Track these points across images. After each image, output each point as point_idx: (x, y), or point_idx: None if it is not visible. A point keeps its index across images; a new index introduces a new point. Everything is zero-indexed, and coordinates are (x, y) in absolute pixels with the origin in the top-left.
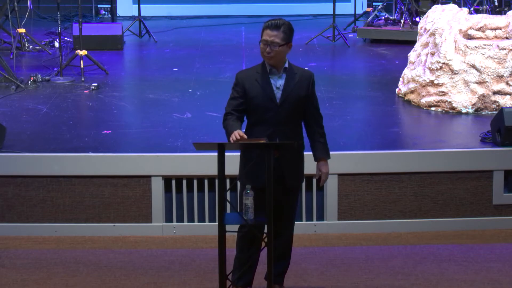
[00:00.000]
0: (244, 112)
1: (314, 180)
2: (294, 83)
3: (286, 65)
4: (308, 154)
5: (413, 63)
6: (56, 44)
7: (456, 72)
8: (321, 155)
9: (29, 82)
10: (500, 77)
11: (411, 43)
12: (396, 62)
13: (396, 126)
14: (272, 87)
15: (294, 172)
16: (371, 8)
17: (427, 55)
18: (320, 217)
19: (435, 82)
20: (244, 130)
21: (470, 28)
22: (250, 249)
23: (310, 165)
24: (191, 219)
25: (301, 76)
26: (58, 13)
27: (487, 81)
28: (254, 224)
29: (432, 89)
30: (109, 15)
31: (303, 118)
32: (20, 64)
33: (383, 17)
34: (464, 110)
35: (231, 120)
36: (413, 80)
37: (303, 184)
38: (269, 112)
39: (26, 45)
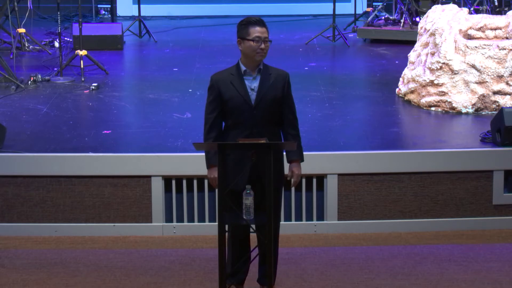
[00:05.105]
0: (222, 116)
1: (314, 180)
2: (269, 84)
3: (261, 66)
4: (307, 154)
5: (413, 63)
6: (56, 44)
7: (456, 72)
8: (293, 157)
9: (29, 82)
10: (500, 77)
11: (411, 43)
12: (396, 62)
13: (396, 126)
14: (247, 88)
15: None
16: (371, 8)
17: (427, 55)
18: (320, 217)
19: (435, 82)
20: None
21: (470, 28)
22: (241, 249)
23: (308, 165)
24: (191, 219)
25: (276, 76)
26: (58, 13)
27: (487, 81)
28: (254, 224)
29: (432, 89)
30: (109, 15)
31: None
32: (20, 64)
33: (383, 17)
34: (464, 110)
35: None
36: (413, 80)
37: (303, 185)
38: (244, 114)
39: (26, 45)
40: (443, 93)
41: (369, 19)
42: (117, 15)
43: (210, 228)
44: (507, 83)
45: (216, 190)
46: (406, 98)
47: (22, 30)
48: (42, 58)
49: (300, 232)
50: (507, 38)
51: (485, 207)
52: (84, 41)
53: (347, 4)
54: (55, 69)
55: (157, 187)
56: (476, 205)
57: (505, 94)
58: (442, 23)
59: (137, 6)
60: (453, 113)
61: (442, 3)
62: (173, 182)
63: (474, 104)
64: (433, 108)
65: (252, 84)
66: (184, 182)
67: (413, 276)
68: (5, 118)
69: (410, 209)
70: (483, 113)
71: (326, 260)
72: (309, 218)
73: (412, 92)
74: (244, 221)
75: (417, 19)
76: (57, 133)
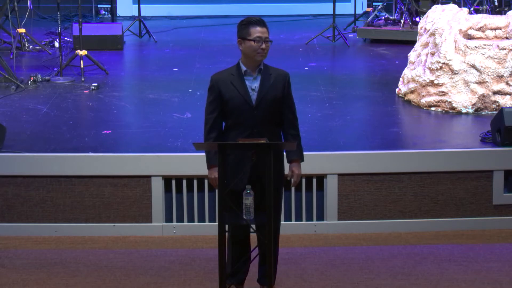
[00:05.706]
0: (222, 116)
1: (314, 180)
2: (269, 84)
3: (261, 66)
4: (307, 154)
5: (413, 63)
6: (56, 44)
7: (456, 72)
8: (293, 157)
9: (29, 82)
10: (500, 77)
11: (411, 43)
12: (396, 62)
13: (396, 126)
14: (248, 89)
15: (273, 173)
16: (371, 8)
17: (427, 55)
18: (320, 217)
19: (435, 82)
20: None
21: (470, 28)
22: (241, 249)
23: (308, 165)
24: (191, 219)
25: (277, 76)
26: (58, 13)
27: (487, 81)
28: (254, 224)
29: (432, 89)
30: (109, 15)
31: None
32: (20, 64)
33: (383, 17)
34: (464, 110)
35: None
36: (413, 80)
37: (303, 185)
38: (245, 114)
39: (26, 45)
40: (443, 93)
41: (369, 19)
42: (117, 15)
43: (210, 228)
44: (507, 83)
45: (216, 190)
46: (406, 98)
47: (22, 30)
48: (42, 58)
49: (300, 232)
50: (507, 38)
51: (485, 207)
52: (84, 41)
53: (347, 4)
54: (55, 69)
55: (157, 187)
56: (476, 205)
57: (505, 94)
58: (442, 23)
59: (137, 6)
60: (453, 113)
61: (442, 3)
62: (173, 182)
63: (474, 104)
64: (433, 108)
65: (253, 84)
66: (184, 182)
67: (413, 276)
68: (5, 118)
69: (410, 209)
70: (483, 113)
71: (326, 260)
72: (309, 218)
73: (412, 92)
74: (244, 221)
75: (417, 19)
76: (57, 133)
